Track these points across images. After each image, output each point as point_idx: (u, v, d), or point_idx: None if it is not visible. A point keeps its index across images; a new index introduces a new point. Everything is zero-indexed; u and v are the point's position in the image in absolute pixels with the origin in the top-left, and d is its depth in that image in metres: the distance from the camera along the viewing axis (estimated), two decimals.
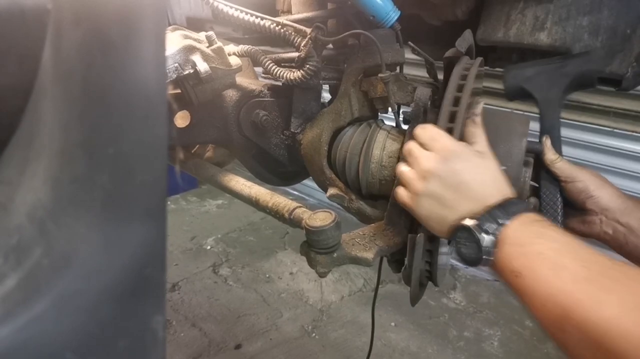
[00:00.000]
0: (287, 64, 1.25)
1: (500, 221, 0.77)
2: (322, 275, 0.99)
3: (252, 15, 1.20)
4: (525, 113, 3.12)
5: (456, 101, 0.93)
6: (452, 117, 0.92)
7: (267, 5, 1.40)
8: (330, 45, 1.30)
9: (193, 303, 3.35)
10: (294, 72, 1.20)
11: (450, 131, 0.90)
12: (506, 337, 3.09)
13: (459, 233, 0.81)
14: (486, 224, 0.78)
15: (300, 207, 1.06)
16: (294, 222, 1.04)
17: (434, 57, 1.17)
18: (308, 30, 1.15)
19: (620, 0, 1.03)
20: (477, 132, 0.90)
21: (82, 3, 0.44)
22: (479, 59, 1.03)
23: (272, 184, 1.53)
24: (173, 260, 3.78)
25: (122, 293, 0.49)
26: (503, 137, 0.98)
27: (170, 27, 1.24)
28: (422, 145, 0.89)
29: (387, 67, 1.12)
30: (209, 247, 4.07)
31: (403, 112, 1.13)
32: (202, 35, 1.19)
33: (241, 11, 1.21)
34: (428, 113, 1.06)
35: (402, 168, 0.91)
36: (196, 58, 1.10)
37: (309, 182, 1.45)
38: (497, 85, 3.15)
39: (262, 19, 1.20)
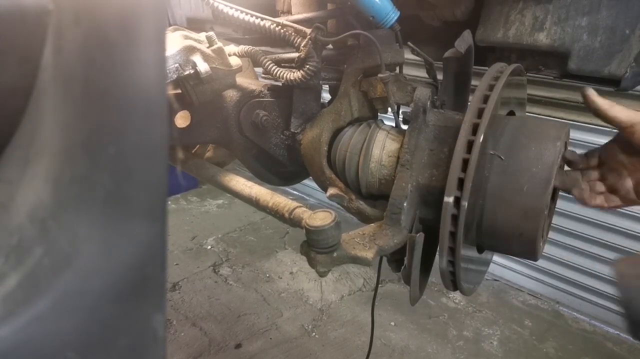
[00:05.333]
0: (287, 65, 1.25)
1: None
2: (322, 275, 0.99)
3: (252, 15, 1.20)
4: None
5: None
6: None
7: (267, 5, 1.40)
8: (330, 46, 1.31)
9: (193, 302, 3.35)
10: (294, 72, 1.20)
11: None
12: (505, 336, 3.09)
13: None
14: None
15: (300, 207, 1.06)
16: (294, 222, 1.04)
17: (434, 58, 1.17)
18: (308, 30, 1.15)
19: (619, 1, 1.03)
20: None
21: (82, 3, 0.44)
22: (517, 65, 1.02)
23: (272, 184, 1.54)
24: (173, 260, 3.78)
25: (122, 292, 0.50)
26: (535, 139, 0.96)
27: (170, 28, 1.24)
28: None
29: (386, 68, 1.12)
30: (209, 247, 4.07)
31: (402, 113, 1.13)
32: (202, 36, 1.19)
33: (241, 12, 1.21)
34: (428, 113, 1.06)
35: None
36: (196, 58, 1.11)
37: (309, 182, 1.45)
38: None
39: (262, 19, 1.20)
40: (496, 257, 3.63)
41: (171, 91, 1.15)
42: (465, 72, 1.24)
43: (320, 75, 1.24)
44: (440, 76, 1.21)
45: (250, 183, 1.23)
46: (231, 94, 1.33)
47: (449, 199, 0.91)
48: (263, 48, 1.33)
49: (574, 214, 3.09)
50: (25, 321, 0.44)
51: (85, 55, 0.44)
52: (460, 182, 0.91)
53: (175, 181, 4.26)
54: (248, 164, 1.45)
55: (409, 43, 1.16)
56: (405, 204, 1.03)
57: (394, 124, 1.18)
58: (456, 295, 3.49)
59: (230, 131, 1.34)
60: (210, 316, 3.22)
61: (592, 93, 0.98)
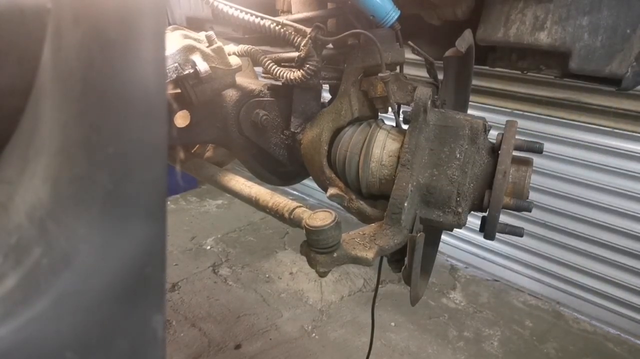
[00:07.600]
0: (287, 64, 1.25)
1: None
2: (322, 275, 0.99)
3: (252, 14, 1.20)
4: (525, 113, 3.12)
5: None
6: None
7: (267, 5, 1.40)
8: (330, 45, 1.30)
9: (193, 303, 3.35)
10: (294, 72, 1.20)
11: None
12: (506, 337, 3.09)
13: None
14: None
15: (300, 207, 1.06)
16: (294, 222, 1.04)
17: (434, 57, 1.17)
18: (308, 30, 1.15)
19: (620, 0, 1.03)
20: None
21: (81, 3, 0.44)
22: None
23: (272, 184, 1.53)
24: (173, 260, 3.78)
25: (122, 292, 0.49)
26: None
27: (170, 27, 1.24)
28: None
29: (387, 67, 1.12)
30: (208, 247, 4.07)
31: (403, 112, 1.13)
32: (202, 35, 1.19)
33: (241, 11, 1.21)
34: (428, 113, 1.06)
35: None
36: (196, 58, 1.10)
37: (309, 182, 1.45)
38: (497, 85, 3.15)
39: (262, 18, 1.20)
40: (497, 258, 3.63)
41: (171, 91, 1.15)
42: (466, 72, 1.24)
43: (320, 74, 1.24)
44: (440, 76, 1.21)
45: (250, 183, 1.23)
46: (231, 94, 1.32)
47: None
48: (263, 47, 1.33)
49: (575, 215, 3.09)
50: (24, 321, 0.44)
51: (84, 55, 0.44)
52: None
53: (175, 181, 4.26)
54: (248, 164, 1.45)
55: (409, 42, 1.16)
56: (405, 204, 1.03)
57: (394, 124, 1.18)
58: (456, 296, 3.48)
59: (229, 130, 1.34)
60: (210, 317, 3.21)
61: None
